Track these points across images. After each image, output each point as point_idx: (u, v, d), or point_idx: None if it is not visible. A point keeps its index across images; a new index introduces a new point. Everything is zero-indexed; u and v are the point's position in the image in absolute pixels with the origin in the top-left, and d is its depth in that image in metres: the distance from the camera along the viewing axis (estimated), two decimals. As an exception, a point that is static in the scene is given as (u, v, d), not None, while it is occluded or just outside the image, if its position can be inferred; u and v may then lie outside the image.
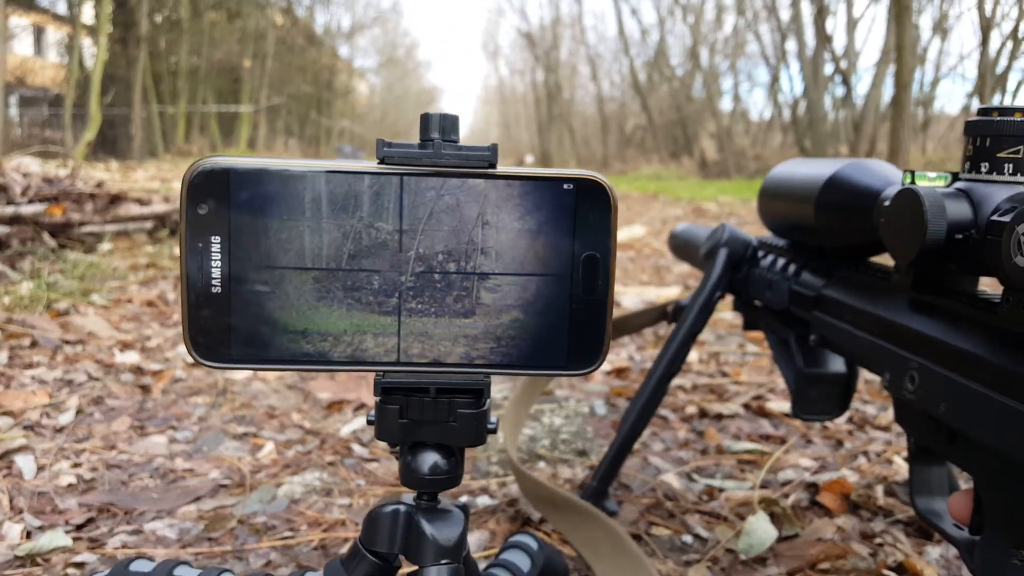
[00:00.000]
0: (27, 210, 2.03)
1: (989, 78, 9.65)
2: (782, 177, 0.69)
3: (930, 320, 0.46)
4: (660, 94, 16.27)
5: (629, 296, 1.88)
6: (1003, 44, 10.71)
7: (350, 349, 0.35)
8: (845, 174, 0.58)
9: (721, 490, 0.80)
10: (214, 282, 0.34)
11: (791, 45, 11.08)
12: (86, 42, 10.82)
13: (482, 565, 0.47)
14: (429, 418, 0.36)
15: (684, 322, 0.73)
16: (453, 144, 0.35)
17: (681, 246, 0.98)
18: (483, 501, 0.77)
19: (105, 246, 2.07)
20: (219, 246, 0.34)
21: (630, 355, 1.37)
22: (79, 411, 0.97)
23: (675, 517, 0.74)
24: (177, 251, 1.87)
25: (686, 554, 0.68)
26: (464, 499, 0.78)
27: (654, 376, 0.73)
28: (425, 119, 0.36)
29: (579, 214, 0.36)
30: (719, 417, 1.04)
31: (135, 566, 0.41)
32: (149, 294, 1.60)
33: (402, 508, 0.37)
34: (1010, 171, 0.43)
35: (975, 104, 9.84)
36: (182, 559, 0.43)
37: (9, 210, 2.01)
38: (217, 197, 0.34)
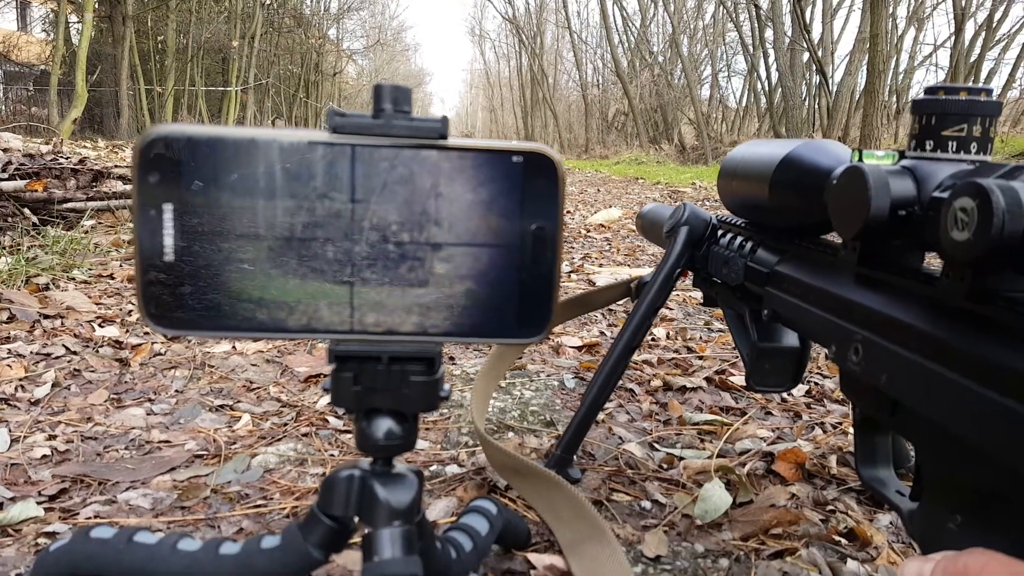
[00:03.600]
0: (6, 185, 2.01)
1: (962, 67, 9.70)
2: (739, 158, 0.71)
3: (873, 294, 0.48)
4: (641, 81, 16.26)
5: (604, 276, 1.90)
6: (976, 33, 10.77)
7: (304, 318, 0.37)
8: (798, 153, 0.60)
9: (681, 458, 0.83)
10: (167, 250, 0.35)
11: (770, 34, 11.09)
12: (72, 18, 10.62)
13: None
14: (382, 385, 0.37)
15: (646, 297, 0.75)
16: (405, 115, 0.37)
17: (648, 226, 1.00)
18: (452, 470, 0.79)
19: (87, 222, 2.06)
20: (171, 214, 0.35)
21: (601, 331, 1.39)
22: (55, 384, 0.98)
23: (636, 484, 0.77)
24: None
25: (644, 519, 0.70)
26: (434, 467, 0.80)
27: (617, 349, 0.75)
28: (377, 90, 0.37)
29: (527, 187, 0.37)
30: (683, 390, 1.06)
31: (96, 532, 0.43)
32: (131, 270, 1.61)
33: (357, 473, 0.39)
34: (954, 148, 0.45)
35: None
36: (142, 526, 0.45)
37: (-15, 185, 1.99)
38: (169, 165, 0.35)
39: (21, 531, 0.66)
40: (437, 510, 0.71)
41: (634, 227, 3.14)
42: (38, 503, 0.70)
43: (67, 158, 2.49)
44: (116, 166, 2.59)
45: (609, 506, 0.72)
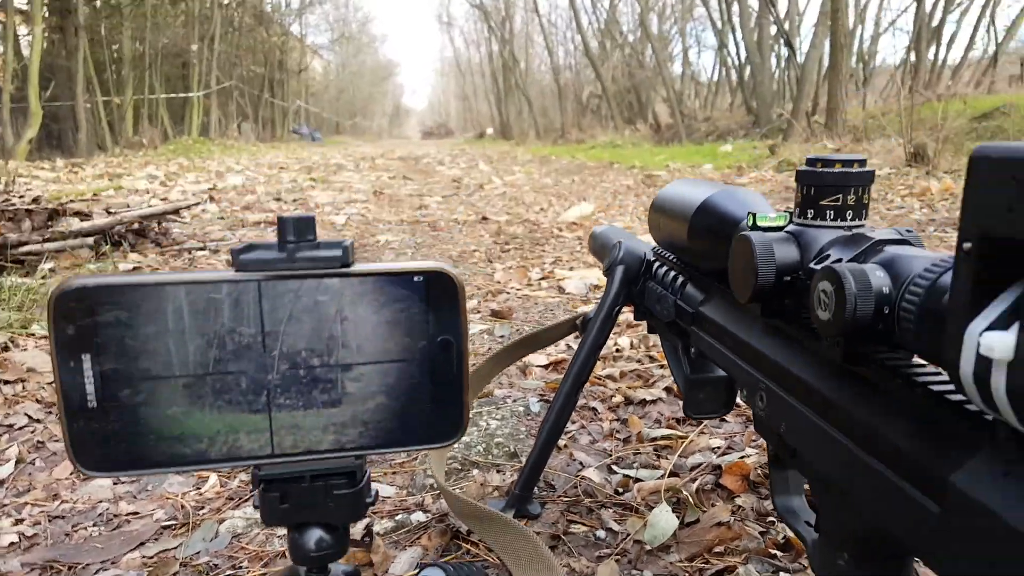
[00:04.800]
0: (-41, 238, 1.99)
1: (924, 32, 9.83)
2: (667, 197, 0.73)
3: (775, 345, 0.51)
4: (613, 62, 16.27)
5: (574, 280, 1.93)
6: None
7: (225, 448, 0.38)
8: (714, 201, 0.62)
9: (637, 480, 0.85)
10: (89, 397, 0.37)
11: (737, 8, 11.12)
12: (21, 30, 10.36)
13: None
14: (308, 502, 0.39)
15: (589, 335, 0.78)
16: (310, 244, 0.38)
17: (598, 248, 1.02)
18: (417, 517, 0.81)
19: (45, 265, 2.05)
20: (90, 363, 0.37)
21: (568, 343, 1.41)
22: (19, 460, 0.99)
23: (592, 512, 0.80)
24: (121, 267, 1.84)
25: (599, 549, 0.73)
26: (400, 516, 0.82)
27: (565, 386, 0.77)
28: (281, 223, 0.39)
29: (431, 303, 0.39)
30: (643, 403, 1.09)
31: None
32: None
33: (289, 584, 0.41)
34: (831, 217, 0.47)
35: (912, 57, 10.04)
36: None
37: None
38: (82, 316, 0.36)
39: (-5, 627, 0.67)
40: (402, 562, 0.73)
41: (605, 223, 3.16)
42: (11, 594, 0.71)
43: (20, 196, 2.48)
44: (72, 200, 2.57)
45: (566, 539, 0.75)
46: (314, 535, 0.40)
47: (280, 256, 0.37)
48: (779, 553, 0.69)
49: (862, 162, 0.48)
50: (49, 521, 0.85)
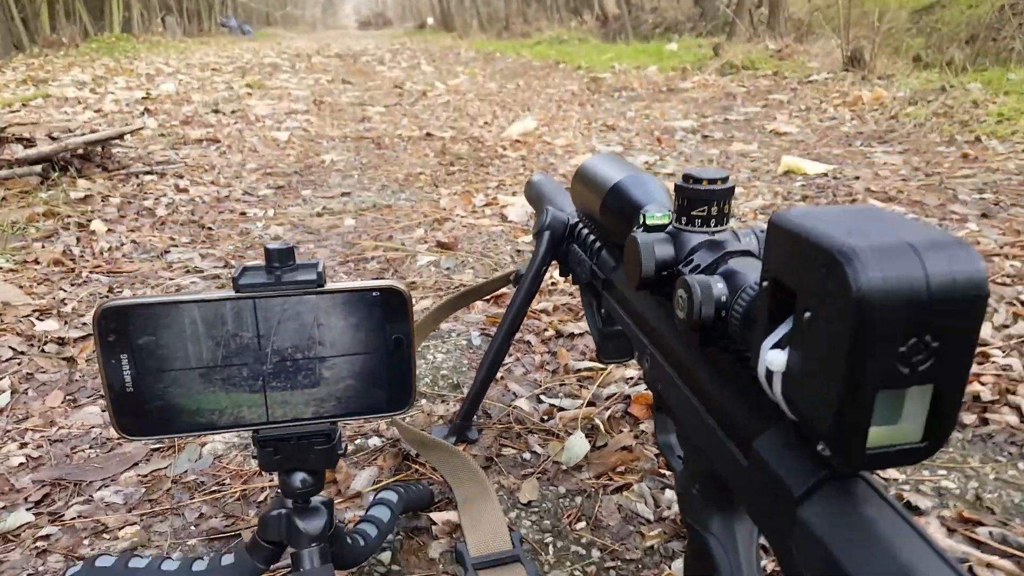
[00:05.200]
0: (-99, 163, 1.99)
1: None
2: (587, 172, 0.85)
3: (658, 319, 0.65)
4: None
5: (516, 208, 2.05)
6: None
7: (232, 418, 0.52)
8: (624, 185, 0.74)
9: (560, 409, 1.02)
10: (127, 384, 0.49)
11: None
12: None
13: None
14: (295, 455, 0.53)
15: (520, 291, 0.91)
16: (290, 268, 0.50)
17: (533, 197, 1.14)
18: (374, 442, 0.96)
19: (-4, 193, 2.07)
20: (127, 361, 0.49)
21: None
22: (14, 391, 1.10)
23: (521, 437, 0.96)
24: (73, 195, 1.89)
25: (524, 469, 0.89)
26: (359, 441, 0.97)
27: (500, 335, 0.92)
28: (267, 252, 0.50)
29: (385, 310, 0.52)
30: (571, 336, 1.25)
31: (100, 562, 0.58)
32: (54, 251, 1.67)
33: (284, 511, 0.55)
34: (699, 224, 0.61)
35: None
36: (134, 552, 0.60)
37: None
38: (119, 327, 0.48)
39: (20, 536, 0.80)
40: (363, 479, 0.88)
41: (548, 139, 3.25)
42: (27, 509, 0.84)
43: (-40, 121, 2.43)
44: (11, 125, 2.54)
45: (498, 461, 0.91)
46: (299, 476, 0.54)
47: (268, 280, 0.49)
48: (667, 473, 0.86)
49: (725, 179, 0.61)
50: (50, 444, 0.97)
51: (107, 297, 1.47)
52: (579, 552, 0.76)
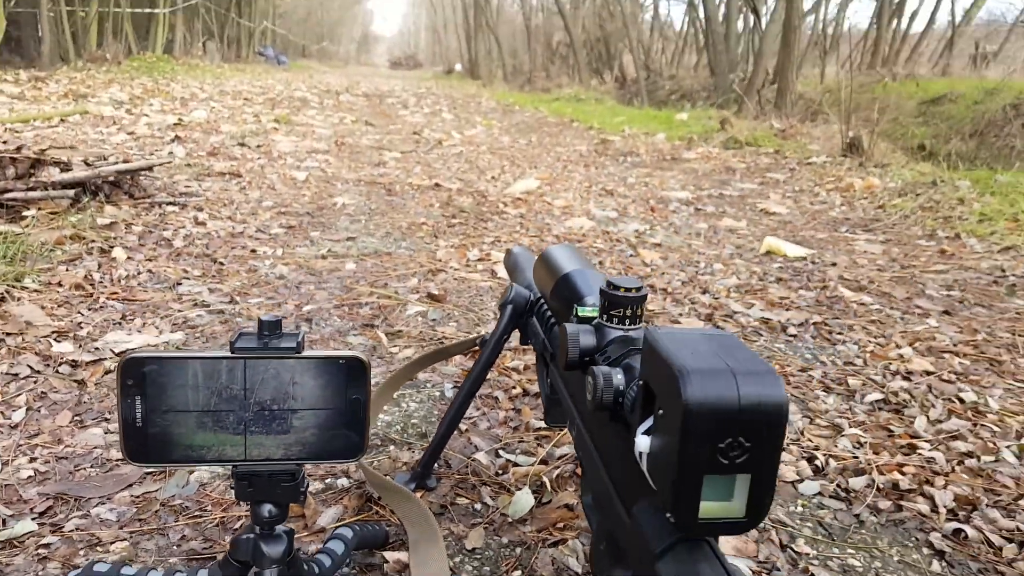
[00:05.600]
0: (-57, 180, 2.14)
1: (887, 5, 10.13)
2: (548, 258, 0.98)
3: (582, 393, 0.77)
4: (583, 11, 16.16)
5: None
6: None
7: (217, 454, 0.63)
8: (571, 277, 0.87)
9: (515, 464, 1.13)
10: (138, 420, 0.62)
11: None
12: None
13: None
14: (265, 488, 0.65)
15: (481, 357, 1.03)
16: (277, 336, 0.63)
17: (510, 267, 1.27)
18: (342, 482, 1.07)
19: (29, 212, 2.22)
20: (140, 401, 0.61)
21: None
22: (28, 408, 1.22)
23: (475, 489, 1.07)
24: (99, 220, 2.04)
25: (475, 518, 1.00)
26: (328, 480, 1.08)
27: (461, 395, 1.03)
28: (260, 323, 0.63)
29: (348, 375, 0.64)
30: (537, 395, 1.36)
31: (97, 567, 0.69)
32: (77, 275, 1.81)
33: (251, 536, 0.66)
34: (616, 322, 0.73)
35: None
36: (126, 560, 0.72)
37: (-75, 180, 2.12)
38: (136, 375, 0.61)
39: (24, 543, 0.92)
40: (328, 516, 0.99)
41: (549, 199, 3.40)
42: (32, 519, 0.96)
43: (4, 142, 2.60)
44: (51, 147, 2.71)
45: (452, 509, 1.02)
46: (267, 507, 0.66)
47: (258, 345, 0.62)
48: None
49: (639, 288, 0.73)
50: (56, 460, 1.09)
51: (120, 323, 1.60)
52: (509, 595, 0.87)
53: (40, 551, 0.90)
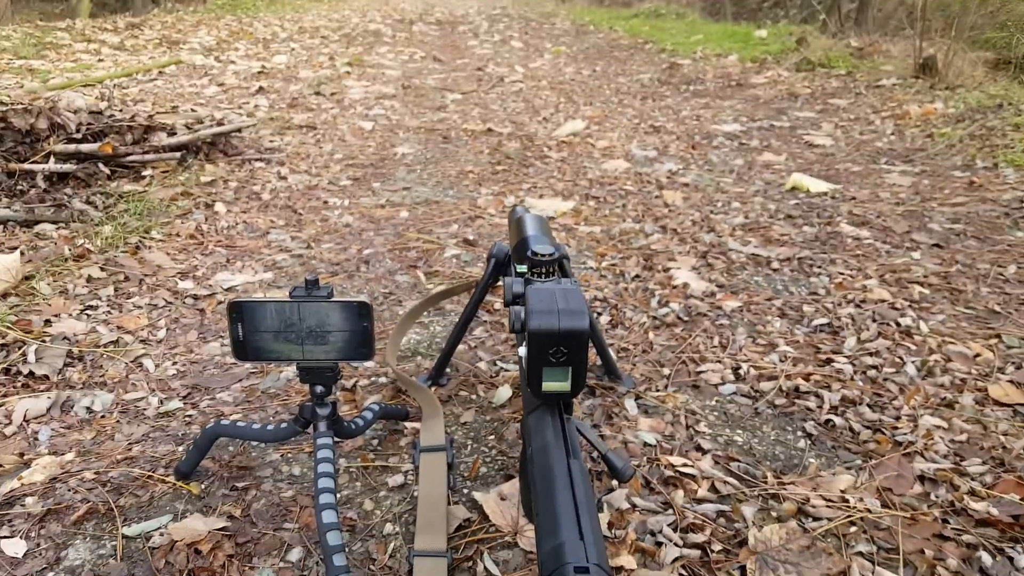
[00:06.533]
0: (85, 147, 2.68)
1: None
2: (516, 220, 1.37)
3: (521, 324, 1.18)
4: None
5: (542, 205, 2.56)
6: None
7: (287, 355, 1.08)
8: (526, 242, 1.27)
9: (505, 370, 1.56)
10: (240, 336, 1.07)
11: None
12: None
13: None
14: (316, 377, 1.09)
15: (473, 296, 1.45)
16: (316, 288, 1.06)
17: (509, 223, 1.66)
18: (382, 380, 1.53)
19: (146, 172, 2.75)
20: (240, 325, 1.06)
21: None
22: (168, 328, 1.73)
23: (474, 386, 1.51)
24: (202, 179, 2.57)
25: (470, 405, 1.44)
26: (372, 378, 1.54)
27: (460, 322, 1.46)
28: (307, 282, 1.06)
29: (360, 312, 1.07)
30: (534, 322, 1.77)
31: (223, 421, 1.17)
32: (189, 227, 2.32)
33: (310, 404, 1.12)
34: (536, 276, 1.13)
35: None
36: (237, 414, 1.19)
37: (71, 148, 2.67)
38: (238, 310, 1.06)
39: (175, 414, 1.42)
40: (370, 401, 1.45)
41: (592, 140, 3.71)
42: (178, 400, 1.45)
43: (120, 110, 3.13)
44: (157, 111, 3.23)
45: (455, 399, 1.46)
46: (318, 387, 1.11)
47: (305, 294, 1.05)
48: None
49: (552, 254, 1.13)
50: (190, 364, 1.59)
51: (225, 266, 2.10)
52: (484, 450, 1.31)
53: (186, 419, 1.40)
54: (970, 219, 2.59)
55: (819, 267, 2.18)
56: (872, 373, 1.59)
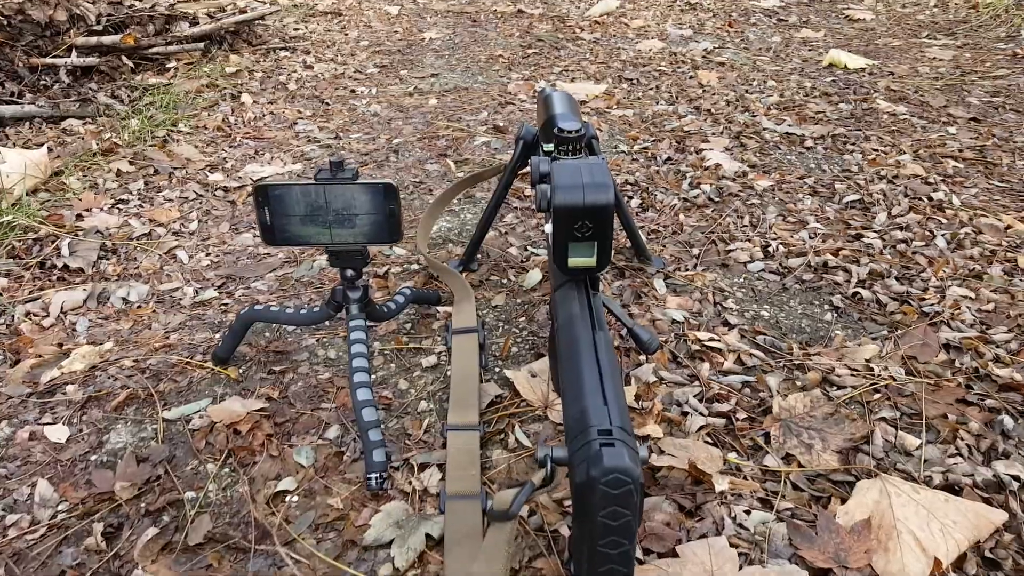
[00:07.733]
0: (107, 40, 2.64)
1: None
2: (545, 99, 1.32)
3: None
4: None
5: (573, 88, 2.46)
6: None
7: (315, 239, 1.08)
8: (555, 119, 1.22)
9: (536, 254, 1.54)
10: (267, 220, 1.06)
11: None
12: None
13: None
14: (346, 259, 1.09)
15: (502, 179, 1.41)
16: (341, 170, 1.04)
17: (539, 103, 1.61)
18: (414, 267, 1.53)
19: (171, 64, 2.70)
20: (267, 210, 1.05)
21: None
22: (199, 221, 1.74)
23: (505, 270, 1.50)
24: (227, 69, 2.52)
25: (500, 289, 1.44)
26: (404, 264, 1.53)
27: (489, 207, 1.43)
28: (331, 164, 1.04)
29: (386, 194, 1.05)
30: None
31: (256, 307, 1.19)
32: (216, 119, 2.29)
33: (341, 287, 1.12)
34: (564, 154, 1.09)
35: None
36: (272, 301, 1.20)
37: (93, 40, 2.62)
38: (263, 195, 1.04)
39: (211, 303, 1.44)
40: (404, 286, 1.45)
41: (626, 20, 3.53)
42: (214, 289, 1.48)
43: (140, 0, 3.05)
44: (178, 2, 3.14)
45: (486, 283, 1.46)
46: (348, 271, 1.11)
47: (331, 177, 1.03)
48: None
49: (579, 130, 1.08)
50: (223, 255, 1.60)
51: (254, 157, 2.08)
52: (514, 331, 1.31)
53: (222, 307, 1.42)
54: (1010, 92, 2.47)
55: (853, 144, 2.11)
56: (902, 247, 1.55)
